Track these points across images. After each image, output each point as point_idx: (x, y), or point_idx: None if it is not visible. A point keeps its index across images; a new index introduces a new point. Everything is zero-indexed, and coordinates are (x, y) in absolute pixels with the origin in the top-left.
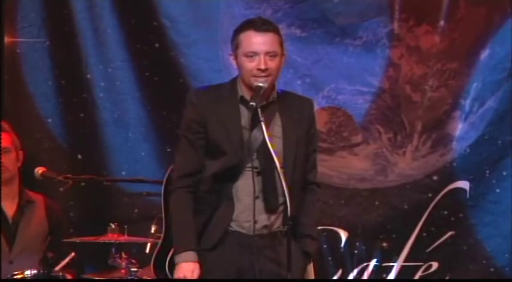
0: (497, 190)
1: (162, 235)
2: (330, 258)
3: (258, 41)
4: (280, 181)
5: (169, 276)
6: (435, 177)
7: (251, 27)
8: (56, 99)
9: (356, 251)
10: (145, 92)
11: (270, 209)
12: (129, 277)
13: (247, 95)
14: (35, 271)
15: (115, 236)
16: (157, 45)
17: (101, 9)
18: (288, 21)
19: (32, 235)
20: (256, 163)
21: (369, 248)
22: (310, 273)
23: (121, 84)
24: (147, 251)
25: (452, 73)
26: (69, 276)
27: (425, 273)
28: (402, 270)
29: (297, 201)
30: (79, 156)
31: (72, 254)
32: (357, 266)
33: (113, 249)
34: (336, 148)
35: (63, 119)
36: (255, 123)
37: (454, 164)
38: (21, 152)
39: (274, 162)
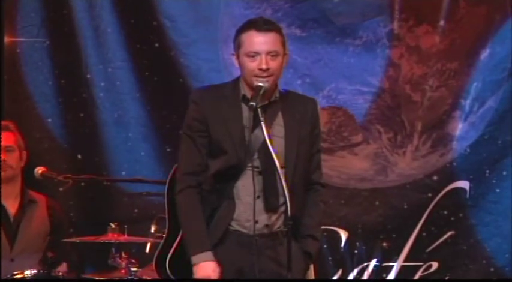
0: (497, 190)
1: (165, 234)
2: (330, 258)
3: (259, 41)
4: (281, 181)
5: (170, 275)
6: (435, 177)
7: (253, 27)
8: (55, 99)
9: (356, 251)
10: (145, 92)
11: (271, 209)
12: (129, 277)
13: (249, 94)
14: (35, 271)
15: (115, 235)
16: (157, 45)
17: (101, 9)
18: (288, 21)
19: (33, 234)
20: (257, 163)
21: (369, 248)
22: (310, 274)
23: (121, 84)
24: (147, 251)
25: (452, 73)
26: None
27: (425, 273)
28: (402, 270)
29: (299, 201)
30: (79, 156)
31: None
32: (357, 266)
33: (113, 249)
34: (336, 148)
35: (63, 119)
36: (256, 123)
37: (454, 164)
38: (24, 152)
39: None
